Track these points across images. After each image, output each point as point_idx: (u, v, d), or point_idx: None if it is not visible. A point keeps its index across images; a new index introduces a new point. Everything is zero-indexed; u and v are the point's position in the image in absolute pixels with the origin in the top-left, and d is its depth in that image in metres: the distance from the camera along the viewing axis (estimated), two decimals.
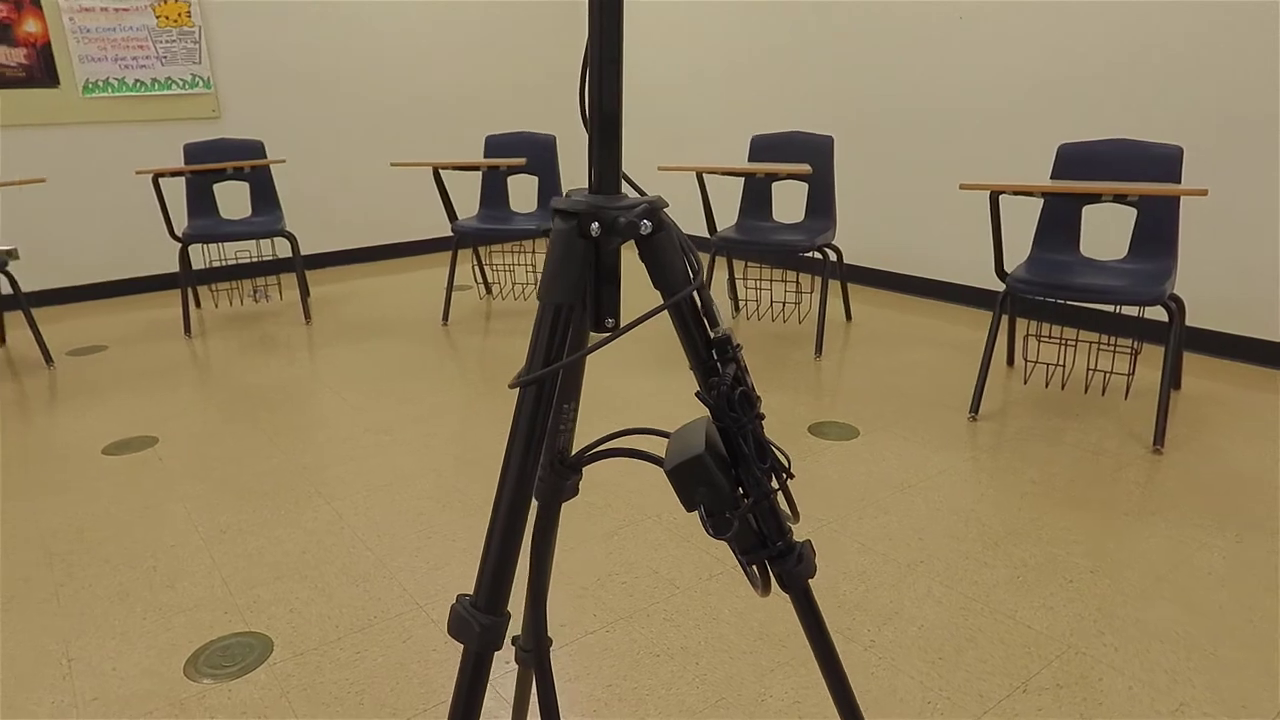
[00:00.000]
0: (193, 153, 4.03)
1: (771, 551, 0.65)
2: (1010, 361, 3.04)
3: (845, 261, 4.28)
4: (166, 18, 4.42)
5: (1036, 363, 3.03)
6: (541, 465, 0.72)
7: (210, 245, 4.69)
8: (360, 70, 4.93)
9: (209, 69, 4.55)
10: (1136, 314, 3.23)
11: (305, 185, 4.90)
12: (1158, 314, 3.14)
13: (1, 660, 1.54)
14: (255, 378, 3.10)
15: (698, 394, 0.63)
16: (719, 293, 4.11)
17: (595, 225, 0.61)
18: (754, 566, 0.65)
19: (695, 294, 0.64)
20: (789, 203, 4.31)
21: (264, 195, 4.09)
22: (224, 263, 4.73)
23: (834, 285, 4.11)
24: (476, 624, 0.62)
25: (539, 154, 4.00)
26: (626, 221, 0.59)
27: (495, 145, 4.08)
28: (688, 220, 5.31)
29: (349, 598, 1.72)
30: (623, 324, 0.64)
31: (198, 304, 4.25)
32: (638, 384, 2.92)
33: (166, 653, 1.56)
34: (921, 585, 1.71)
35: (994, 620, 1.59)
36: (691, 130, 5.10)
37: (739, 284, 4.20)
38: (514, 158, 3.91)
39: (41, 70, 4.15)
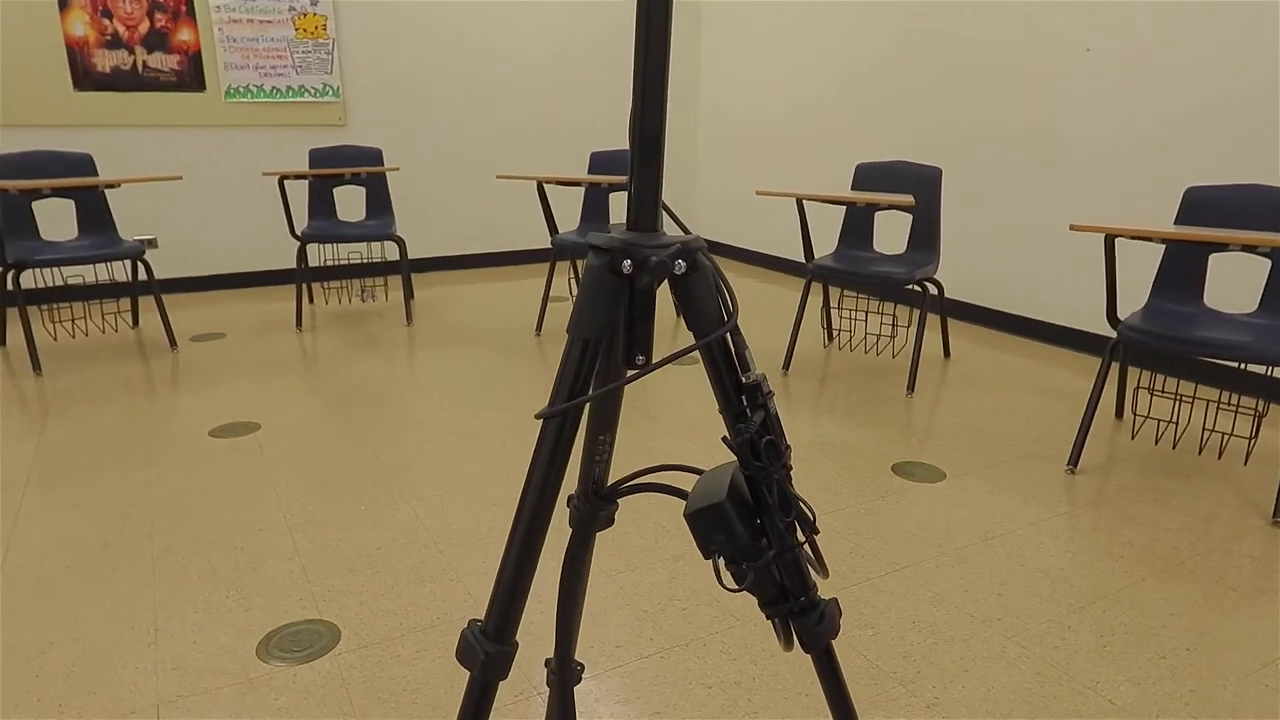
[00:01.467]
0: (317, 157, 4.27)
1: (793, 607, 0.62)
2: (1119, 414, 2.86)
3: (947, 296, 4.14)
4: (305, 30, 4.70)
5: (1147, 417, 2.84)
6: (576, 494, 0.72)
7: (326, 245, 4.94)
8: (475, 85, 5.12)
9: (339, 79, 4.81)
10: (1264, 372, 2.98)
11: (416, 192, 5.11)
12: None
13: (98, 621, 1.66)
14: (355, 374, 3.23)
15: (724, 439, 0.62)
16: (812, 321, 4.04)
17: (628, 263, 0.61)
18: (775, 620, 0.63)
19: (728, 337, 0.63)
20: (892, 232, 4.21)
21: (378, 200, 4.28)
22: (337, 262, 4.97)
23: (933, 320, 3.98)
24: (482, 651, 0.62)
25: None
26: (658, 261, 0.59)
27: (599, 162, 4.15)
28: (786, 245, 5.26)
29: (416, 597, 1.77)
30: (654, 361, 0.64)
31: (310, 300, 4.48)
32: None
33: (243, 632, 1.64)
34: (996, 644, 1.62)
35: (1072, 690, 1.49)
36: (795, 156, 5.05)
37: (834, 313, 4.12)
38: (617, 175, 3.96)
39: (191, 76, 4.49)
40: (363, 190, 4.77)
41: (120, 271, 4.42)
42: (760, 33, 5.20)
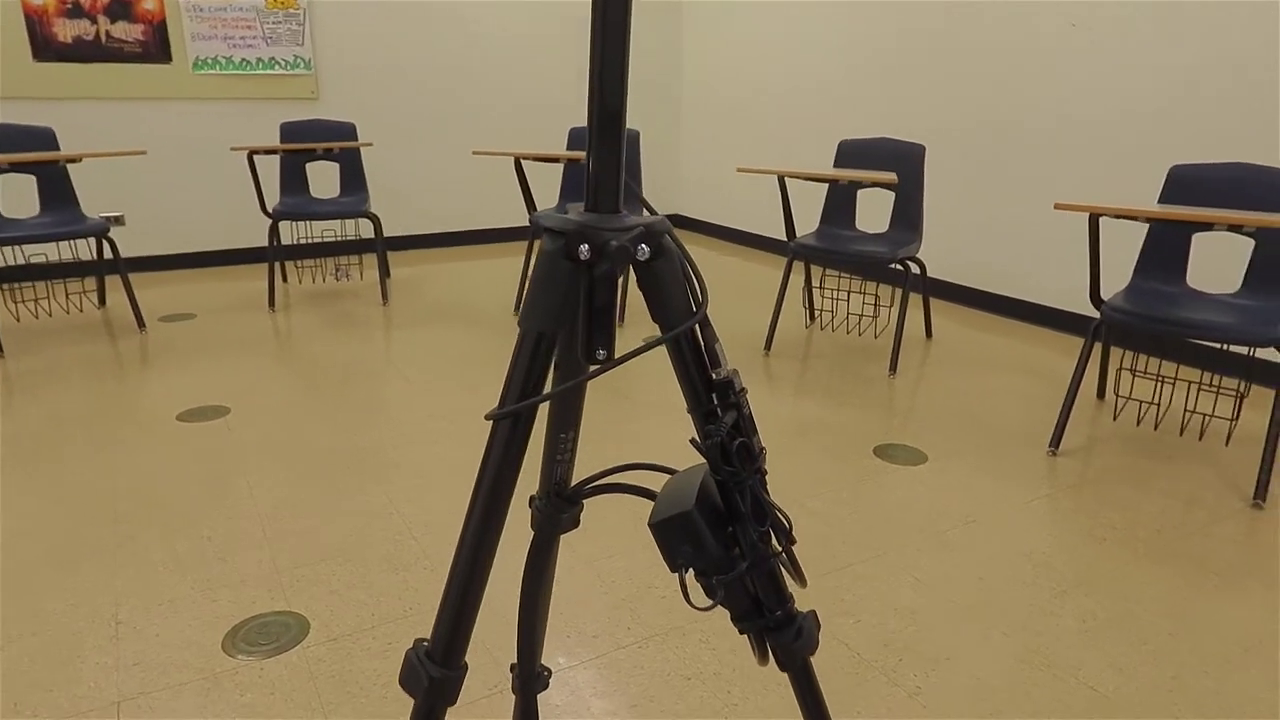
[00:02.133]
0: (288, 132, 4.16)
1: (768, 622, 0.59)
2: (1100, 395, 2.85)
3: (929, 276, 4.11)
4: None
5: (1129, 399, 2.83)
6: (538, 495, 0.67)
7: (299, 223, 4.83)
8: (451, 58, 5.00)
9: (310, 51, 4.68)
10: (1246, 354, 2.98)
11: (392, 169, 5.00)
12: (1270, 354, 2.89)
13: (59, 614, 1.60)
14: (329, 355, 3.16)
15: (693, 440, 0.57)
16: (794, 300, 4.00)
17: (584, 248, 0.55)
18: (750, 635, 0.59)
19: (696, 329, 0.58)
20: (875, 210, 4.17)
21: (352, 176, 4.18)
22: (310, 240, 4.87)
23: (916, 300, 3.96)
24: (426, 676, 0.58)
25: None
26: (619, 246, 0.54)
27: (578, 138, 4.07)
28: (768, 224, 5.21)
29: (388, 586, 1.72)
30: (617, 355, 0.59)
31: (284, 279, 4.38)
32: None
33: (209, 624, 1.59)
34: (978, 630, 1.60)
35: (1054, 676, 1.47)
36: (778, 133, 4.98)
37: (816, 293, 4.08)
38: None
39: (156, 47, 4.34)
40: (336, 166, 4.66)
41: (85, 250, 4.29)
42: (744, 9, 5.11)
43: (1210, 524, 2.02)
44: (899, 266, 3.12)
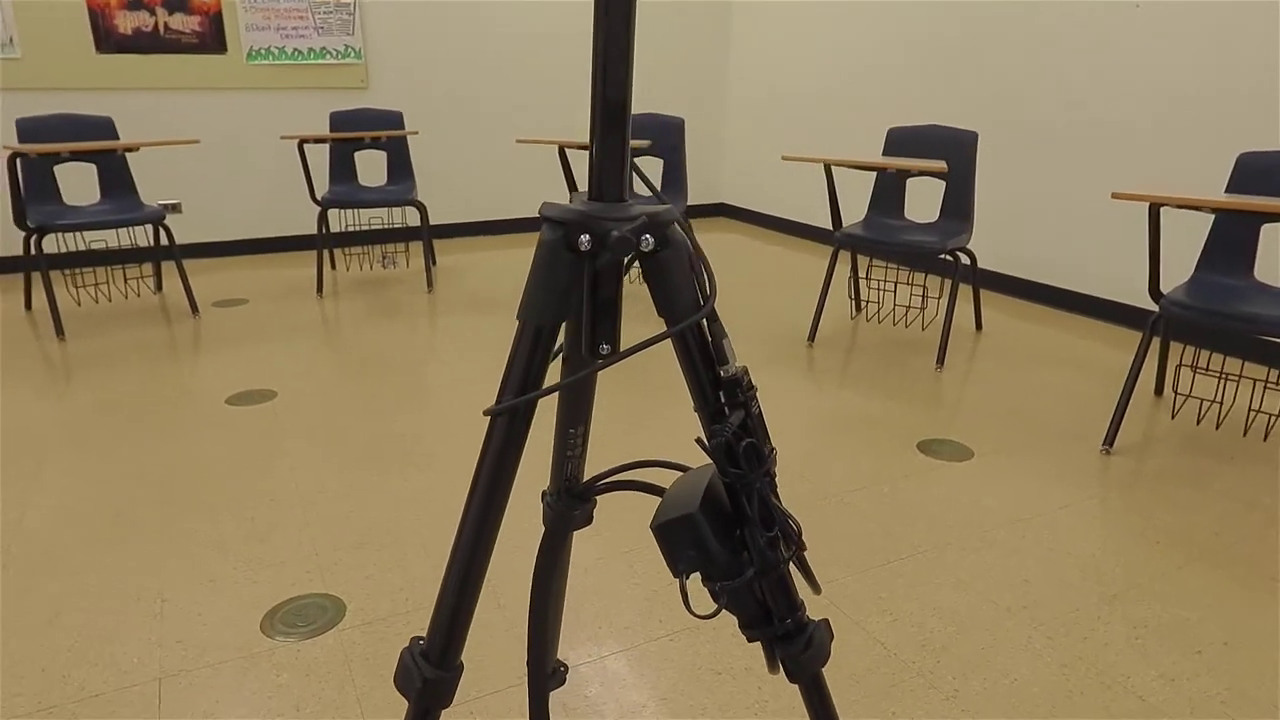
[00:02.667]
0: (338, 121, 4.21)
1: (777, 631, 0.56)
2: (1158, 391, 2.74)
3: (980, 266, 4.00)
4: None
5: (1189, 396, 2.72)
6: (550, 491, 0.66)
7: (347, 210, 4.90)
8: (498, 47, 5.01)
9: (361, 40, 4.73)
10: None
11: (438, 157, 5.04)
12: None
13: (107, 590, 1.65)
14: (374, 342, 3.21)
15: (698, 440, 0.55)
16: (839, 290, 3.93)
17: (585, 238, 0.53)
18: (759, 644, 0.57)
19: (704, 324, 0.56)
20: (924, 200, 4.07)
21: (399, 165, 4.23)
22: (359, 228, 4.94)
23: (965, 291, 3.86)
24: (420, 677, 0.57)
25: (666, 136, 3.94)
26: (620, 236, 0.52)
27: None
28: (815, 212, 5.12)
29: (423, 572, 1.73)
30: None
31: (332, 266, 4.45)
32: (756, 383, 2.82)
33: (249, 605, 1.62)
34: (1021, 634, 1.55)
35: (1100, 685, 1.42)
36: (826, 120, 4.89)
37: (862, 283, 4.01)
38: (640, 139, 3.86)
39: (212, 38, 4.44)
40: (384, 154, 4.71)
41: (142, 236, 4.42)
42: None
43: (1271, 529, 1.92)
44: (948, 257, 3.04)
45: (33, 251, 3.24)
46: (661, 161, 4.01)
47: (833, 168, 3.13)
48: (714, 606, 0.55)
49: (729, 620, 1.58)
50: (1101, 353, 3.14)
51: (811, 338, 3.27)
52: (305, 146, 4.56)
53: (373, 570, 1.74)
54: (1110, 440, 2.35)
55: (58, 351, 3.08)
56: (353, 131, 4.12)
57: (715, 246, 5.01)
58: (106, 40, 4.21)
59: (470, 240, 5.15)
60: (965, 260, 3.11)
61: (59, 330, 3.29)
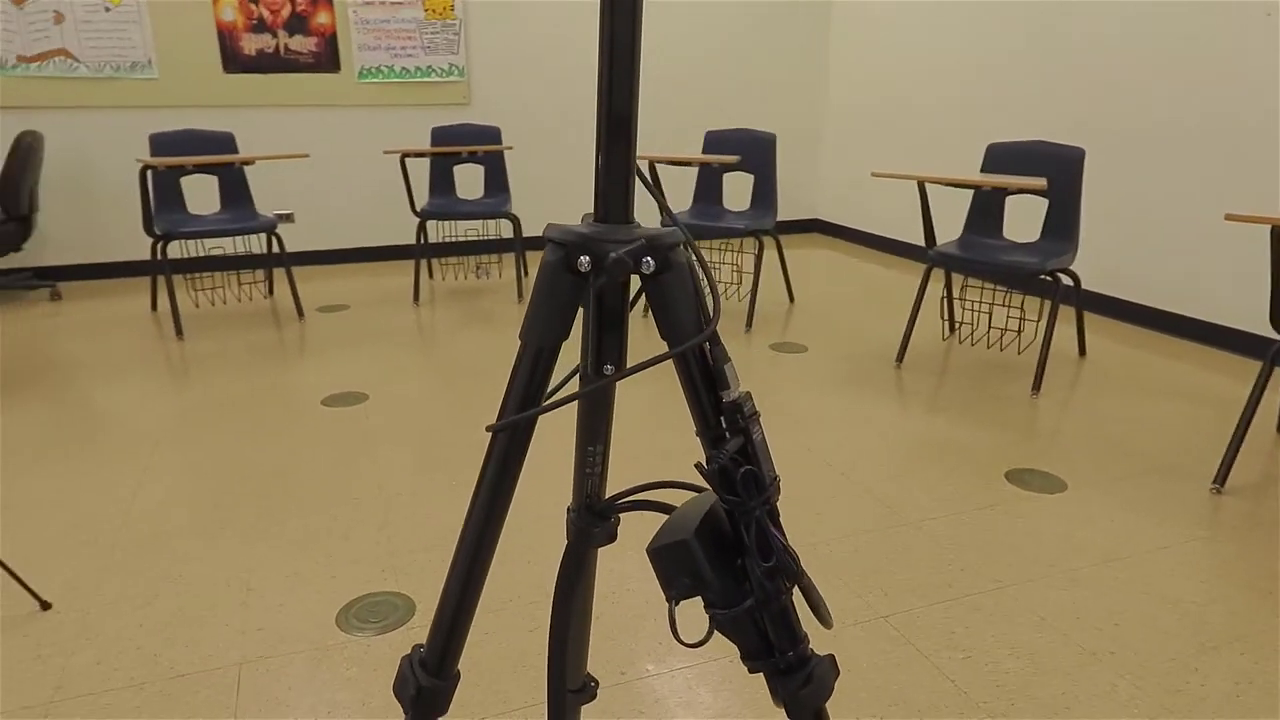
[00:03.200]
0: (438, 136, 4.37)
1: (778, 664, 0.54)
2: None
3: (1086, 288, 3.81)
4: (434, 10, 4.82)
5: None
6: (573, 507, 0.66)
7: (445, 221, 5.08)
8: (590, 64, 5.10)
9: (464, 59, 4.91)
10: None
11: (532, 171, 5.16)
12: None
13: (200, 577, 1.75)
14: (464, 350, 3.30)
15: (698, 465, 0.54)
16: (931, 310, 3.81)
17: (585, 259, 0.54)
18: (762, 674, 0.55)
19: (706, 348, 0.55)
20: (1026, 219, 3.90)
21: (495, 178, 4.35)
22: (455, 239, 5.10)
23: (1068, 314, 3.67)
24: (413, 684, 0.58)
25: (757, 152, 3.92)
26: (616, 258, 0.51)
27: (714, 141, 4.05)
28: (912, 230, 4.99)
29: (491, 577, 1.77)
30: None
31: (430, 275, 4.62)
32: (826, 403, 2.77)
33: (327, 599, 1.69)
34: (1105, 680, 1.46)
35: None
36: (923, 135, 4.76)
37: (956, 304, 3.87)
38: (730, 155, 3.85)
39: (327, 58, 4.69)
40: (481, 168, 4.86)
41: (257, 244, 4.69)
42: (895, 7, 4.92)
43: None
44: (1049, 278, 2.90)
45: (159, 257, 3.49)
46: (751, 178, 3.98)
47: (927, 185, 3.04)
48: (698, 637, 0.54)
49: None
50: (1216, 383, 2.93)
51: (900, 358, 3.18)
52: (407, 160, 4.75)
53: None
54: (1222, 479, 2.18)
55: (177, 350, 3.30)
56: (453, 146, 4.27)
57: (806, 264, 4.94)
58: (233, 61, 4.51)
59: None
60: (1067, 281, 2.96)
61: (179, 330, 3.53)
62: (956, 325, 3.59)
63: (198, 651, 1.53)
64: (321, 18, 4.64)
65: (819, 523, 1.99)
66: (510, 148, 3.93)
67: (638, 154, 3.04)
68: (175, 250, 4.49)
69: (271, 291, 4.23)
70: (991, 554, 1.86)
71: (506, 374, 2.98)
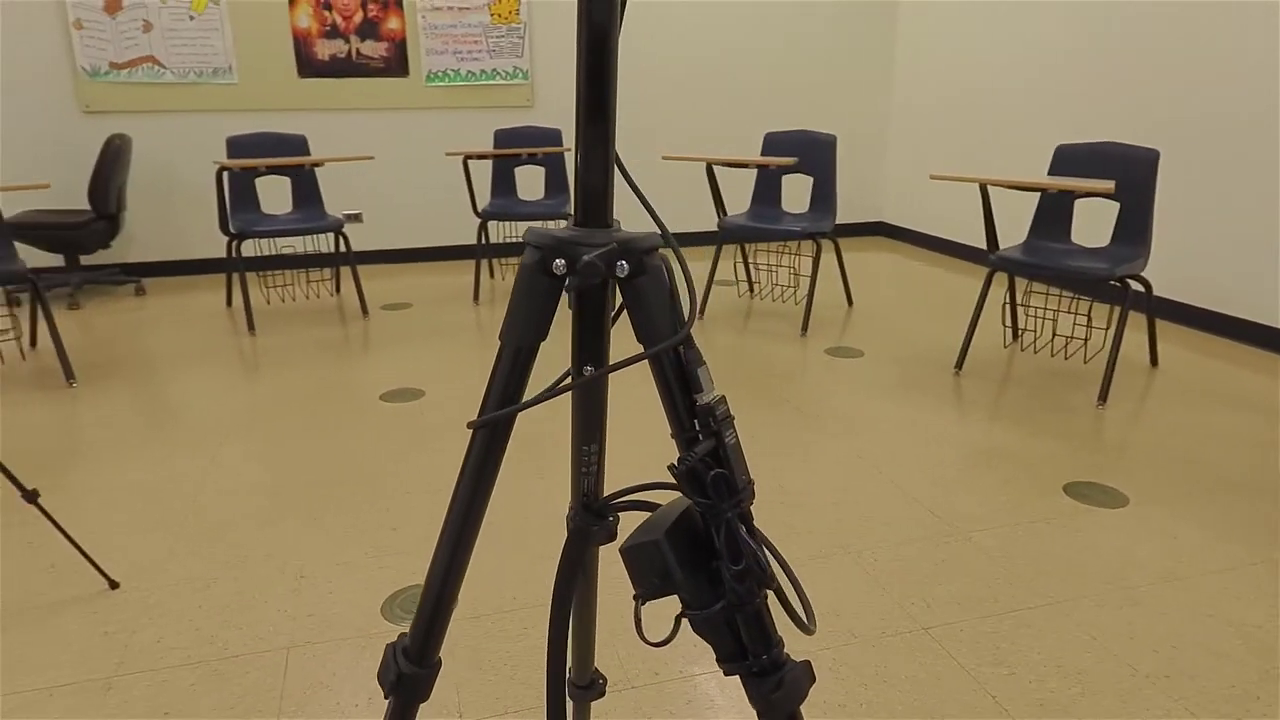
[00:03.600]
0: (501, 138, 4.45)
1: (751, 666, 0.54)
2: None
3: (1157, 294, 3.65)
4: (499, 15, 4.90)
5: None
6: (571, 506, 0.67)
7: (506, 222, 5.16)
8: (652, 66, 5.12)
9: (528, 62, 4.98)
10: None
11: None
12: None
13: (256, 563, 1.82)
14: None
15: (670, 466, 0.54)
16: (993, 317, 3.71)
17: (560, 263, 0.54)
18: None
19: (680, 350, 0.55)
20: (1097, 222, 3.76)
21: (556, 179, 4.41)
22: (516, 240, 5.18)
23: (1139, 322, 3.53)
24: (394, 671, 0.59)
25: (816, 154, 3.87)
26: (587, 261, 0.52)
27: (773, 143, 4.02)
28: (978, 233, 4.86)
29: (534, 573, 1.80)
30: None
31: (491, 275, 4.70)
32: (879, 408, 2.73)
33: (374, 589, 1.74)
34: (1158, 705, 1.40)
35: None
36: (990, 137, 4.63)
37: (1020, 310, 3.76)
38: (788, 156, 3.82)
39: (396, 62, 4.82)
40: (543, 170, 4.92)
41: (326, 243, 4.85)
42: (960, 6, 4.80)
43: None
44: (1118, 284, 2.80)
45: (233, 255, 3.64)
46: (811, 180, 3.94)
47: (989, 187, 2.96)
48: (662, 636, 0.55)
49: (830, 653, 1.53)
50: None
51: (959, 365, 3.10)
52: (470, 162, 4.84)
53: (487, 568, 1.82)
54: None
55: (248, 344, 3.44)
56: (513, 148, 4.34)
57: (867, 267, 4.86)
58: (307, 66, 4.67)
59: None
60: (1138, 288, 2.85)
61: (250, 325, 3.67)
62: (1020, 332, 3.48)
63: (250, 634, 1.59)
64: (392, 23, 4.77)
65: (864, 529, 1.97)
66: (569, 149, 3.97)
67: (698, 156, 3.03)
68: (249, 248, 4.67)
69: (338, 289, 4.37)
70: (1043, 568, 1.81)
71: (557, 372, 3.02)
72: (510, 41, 4.95)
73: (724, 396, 0.57)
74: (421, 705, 1.36)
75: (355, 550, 1.89)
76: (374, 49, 4.77)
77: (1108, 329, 3.50)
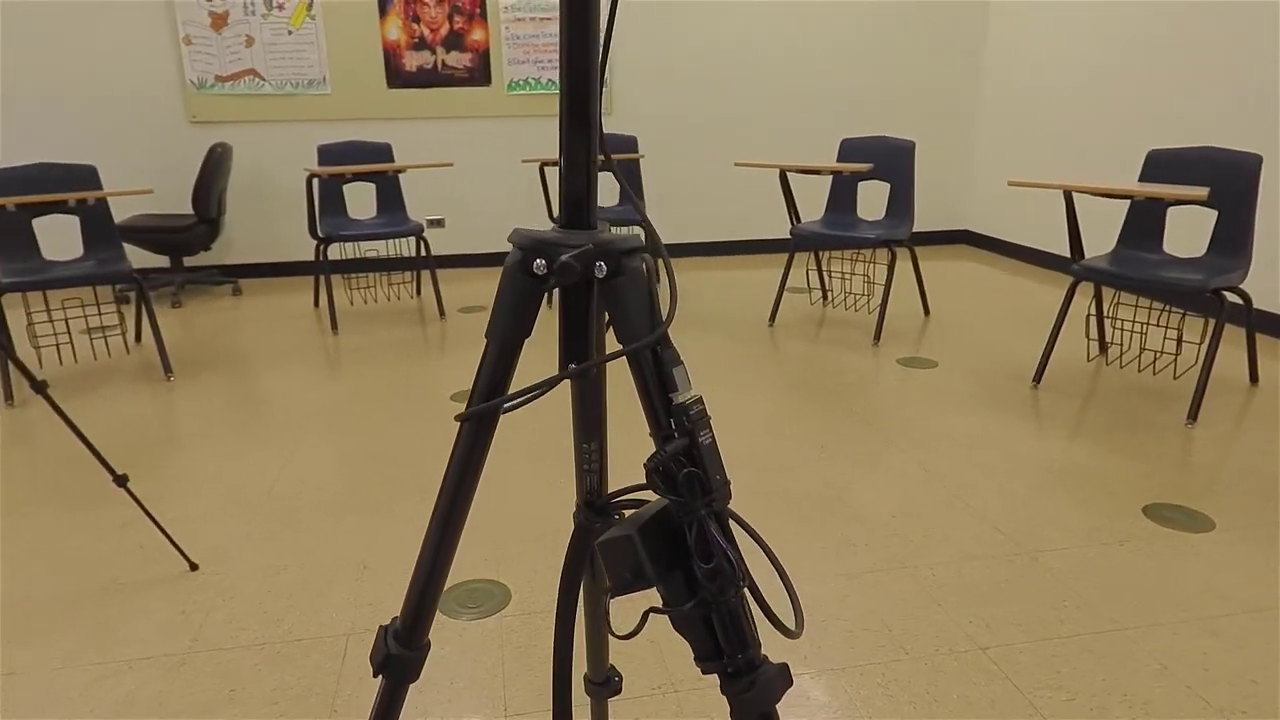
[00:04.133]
0: None
1: (727, 666, 0.54)
2: None
3: (1257, 308, 3.43)
4: None
5: None
6: (577, 504, 0.68)
7: None
8: (731, 72, 5.11)
9: (608, 69, 5.04)
10: None
11: (666, 178, 5.22)
12: None
13: (324, 553, 1.90)
14: None
15: (645, 464, 0.54)
16: (1075, 330, 3.55)
17: (540, 262, 0.55)
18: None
19: (657, 350, 0.55)
20: (1193, 231, 3.56)
21: (629, 186, 4.45)
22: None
23: (1236, 336, 3.32)
24: (382, 651, 0.61)
25: (894, 161, 3.80)
26: (563, 262, 0.53)
27: (850, 149, 3.96)
28: (1062, 242, 4.67)
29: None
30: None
31: None
32: (949, 421, 2.65)
33: None
34: None
35: None
36: (1080, 141, 4.44)
37: (1107, 323, 3.59)
38: (864, 163, 3.76)
39: (480, 72, 4.95)
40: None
41: (407, 247, 5.02)
42: (1052, 6, 4.63)
43: None
44: (1213, 296, 2.65)
45: (320, 258, 3.80)
46: (889, 186, 3.87)
47: (1074, 194, 2.85)
48: (627, 629, 0.55)
49: (878, 668, 1.50)
50: None
51: (1037, 378, 2.99)
52: (546, 169, 4.94)
53: (540, 566, 1.85)
54: None
55: (332, 344, 3.59)
56: None
57: (948, 276, 4.73)
58: (396, 76, 4.85)
59: (690, 260, 5.28)
60: (1236, 300, 2.69)
61: (334, 325, 3.83)
62: (1106, 345, 3.33)
63: (314, 619, 1.67)
64: (476, 34, 4.90)
65: (924, 544, 1.92)
66: (643, 156, 4.00)
67: (771, 163, 3.01)
68: (335, 252, 4.87)
69: (418, 291, 4.51)
70: (1115, 593, 1.73)
71: (623, 378, 3.04)
72: None
73: (701, 397, 0.58)
74: (469, 702, 1.40)
75: (417, 543, 1.95)
76: (459, 59, 4.91)
77: (1201, 343, 3.31)
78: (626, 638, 0.57)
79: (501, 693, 1.46)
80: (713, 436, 0.55)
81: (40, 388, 1.64)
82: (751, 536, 0.59)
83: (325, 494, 2.20)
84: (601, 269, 0.56)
